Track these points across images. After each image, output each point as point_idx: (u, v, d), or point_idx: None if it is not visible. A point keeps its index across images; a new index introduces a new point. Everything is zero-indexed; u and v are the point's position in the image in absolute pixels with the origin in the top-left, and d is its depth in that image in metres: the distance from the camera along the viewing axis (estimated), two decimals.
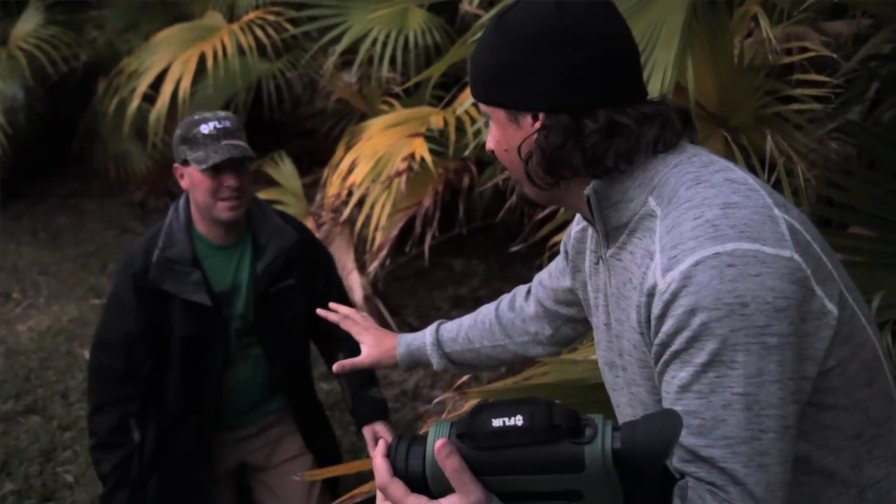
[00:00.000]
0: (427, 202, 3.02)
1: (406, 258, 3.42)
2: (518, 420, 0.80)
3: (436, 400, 2.27)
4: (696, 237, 0.86)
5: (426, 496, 0.83)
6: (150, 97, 3.98)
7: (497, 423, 0.80)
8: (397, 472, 0.85)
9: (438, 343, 1.45)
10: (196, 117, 1.86)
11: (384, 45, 3.45)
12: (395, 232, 3.14)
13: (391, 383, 3.19)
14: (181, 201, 1.94)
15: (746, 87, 2.08)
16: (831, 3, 2.12)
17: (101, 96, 4.62)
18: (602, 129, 0.93)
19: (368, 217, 3.05)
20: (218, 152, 1.80)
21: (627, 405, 1.05)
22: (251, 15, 4.00)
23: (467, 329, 1.44)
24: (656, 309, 0.88)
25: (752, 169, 1.87)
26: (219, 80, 3.84)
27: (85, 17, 4.98)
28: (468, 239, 3.43)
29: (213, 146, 1.81)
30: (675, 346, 0.87)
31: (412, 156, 2.90)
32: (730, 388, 0.84)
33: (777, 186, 1.82)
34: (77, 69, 4.80)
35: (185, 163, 1.85)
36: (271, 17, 3.93)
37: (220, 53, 3.81)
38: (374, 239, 3.04)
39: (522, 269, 3.61)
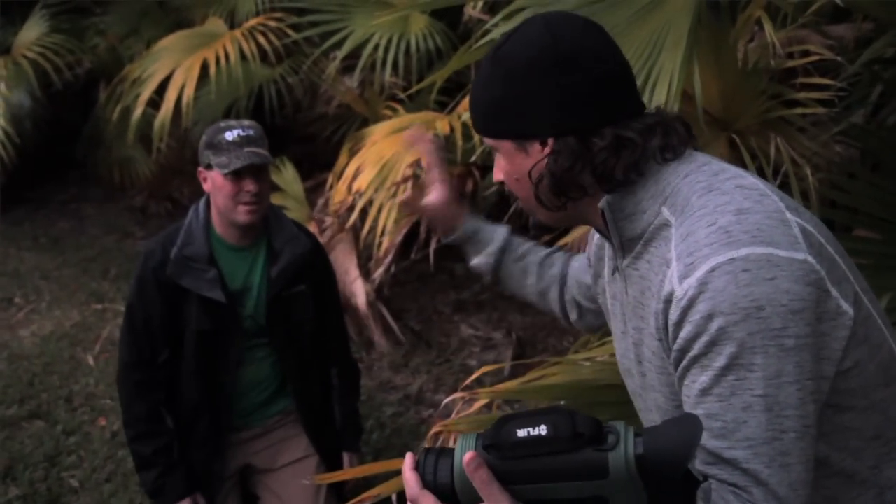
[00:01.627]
0: None
1: (408, 263, 3.42)
2: (542, 430, 0.82)
3: (444, 402, 2.27)
4: (710, 244, 0.88)
5: None
6: (153, 102, 3.99)
7: (522, 433, 0.83)
8: (426, 484, 0.87)
9: (509, 239, 1.42)
10: (222, 125, 1.94)
11: (386, 49, 3.46)
12: (399, 237, 3.15)
13: (394, 387, 3.19)
14: (201, 203, 2.02)
15: (751, 91, 2.09)
16: (833, 6, 2.14)
17: (103, 102, 4.63)
18: (609, 145, 0.95)
19: (373, 223, 3.06)
20: (240, 158, 1.88)
21: (648, 410, 1.07)
22: (253, 21, 4.01)
23: (530, 252, 1.41)
24: (674, 315, 0.90)
25: (758, 172, 1.88)
26: (221, 86, 3.85)
27: (86, 24, 4.99)
28: None
29: (236, 152, 1.89)
30: (695, 350, 0.88)
31: (418, 162, 2.91)
32: (749, 391, 0.86)
33: (784, 189, 1.83)
34: (80, 76, 4.80)
35: (209, 167, 1.93)
36: (273, 23, 3.95)
37: (222, 59, 3.82)
38: (379, 244, 3.05)
39: None
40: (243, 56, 3.86)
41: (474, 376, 2.09)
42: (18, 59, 4.67)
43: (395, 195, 2.95)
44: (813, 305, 0.87)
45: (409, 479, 0.87)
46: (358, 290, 3.29)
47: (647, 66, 1.83)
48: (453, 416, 2.07)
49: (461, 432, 1.84)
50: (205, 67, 3.85)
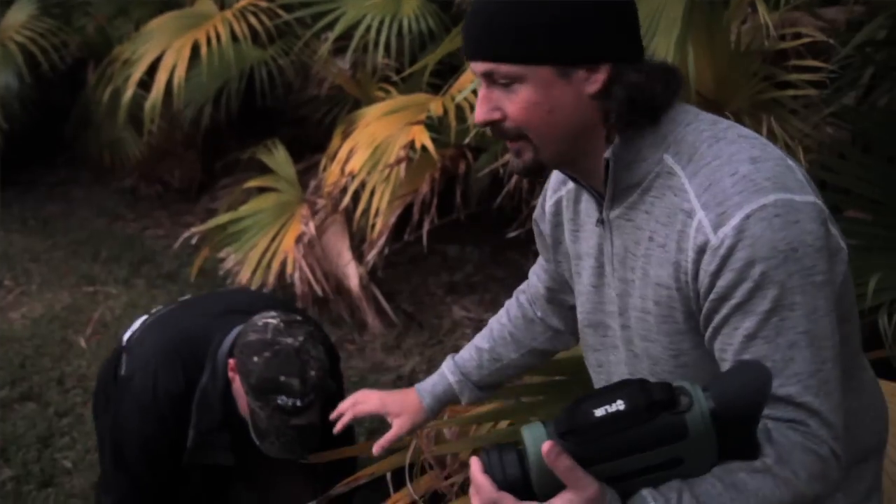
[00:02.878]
0: (424, 189, 3.03)
1: (400, 244, 3.43)
2: (620, 405, 0.83)
3: None
4: (739, 192, 0.91)
5: (533, 501, 0.86)
6: (143, 83, 3.96)
7: (600, 412, 0.83)
8: (499, 483, 0.86)
9: (464, 377, 1.42)
10: (282, 378, 1.62)
11: (378, 31, 3.44)
12: (392, 219, 3.15)
13: (387, 369, 3.21)
14: (220, 362, 1.72)
15: (743, 73, 2.10)
16: None
17: (93, 84, 4.58)
18: (647, 78, 0.95)
19: (366, 205, 3.06)
20: (280, 438, 1.63)
21: (622, 363, 1.08)
22: (244, 1, 3.97)
23: (489, 350, 1.41)
24: (711, 265, 0.91)
25: None
26: (213, 68, 3.82)
27: (74, 4, 4.93)
28: (462, 225, 3.45)
29: (279, 422, 1.63)
30: (737, 298, 0.91)
31: (412, 144, 2.91)
32: (793, 329, 0.90)
33: None
34: (67, 57, 4.76)
35: (245, 391, 1.66)
36: (264, 3, 3.92)
37: (213, 41, 3.79)
38: (373, 226, 3.05)
39: (516, 254, 3.63)
40: (234, 37, 3.83)
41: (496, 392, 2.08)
42: (6, 42, 4.62)
43: (387, 177, 2.94)
44: (826, 242, 0.92)
45: (483, 483, 0.86)
46: (351, 273, 3.29)
47: None
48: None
49: (458, 413, 1.86)
50: (195, 49, 3.82)
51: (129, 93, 3.92)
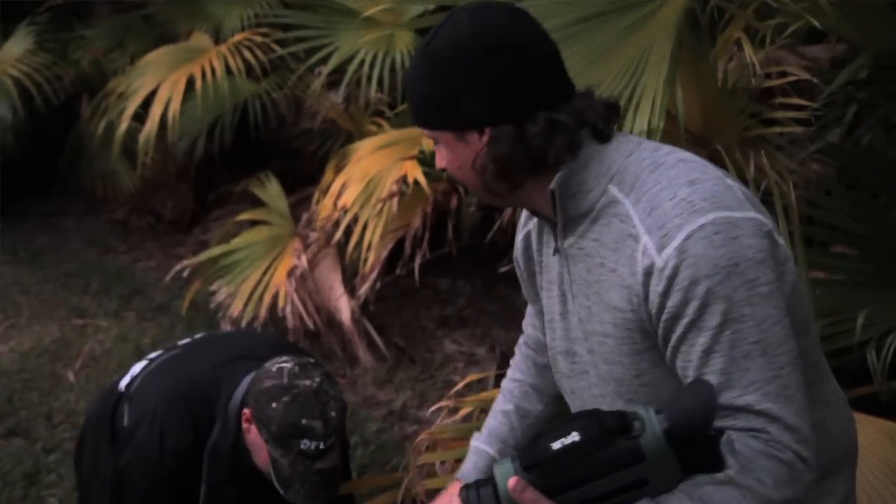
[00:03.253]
0: (417, 223, 3.05)
1: (392, 278, 3.43)
2: (575, 437, 0.88)
3: (430, 410, 2.28)
4: (678, 214, 0.96)
5: None
6: (137, 115, 3.98)
7: (557, 445, 0.88)
8: None
9: (503, 443, 1.37)
10: (304, 422, 1.57)
11: (371, 65, 3.48)
12: (385, 253, 3.16)
13: (378, 403, 3.19)
14: (231, 415, 1.68)
15: (730, 110, 2.14)
16: (809, 29, 2.20)
17: (87, 117, 4.61)
18: (543, 130, 1.01)
19: (359, 238, 3.07)
20: (304, 486, 1.59)
21: (592, 387, 1.11)
22: (239, 36, 4.02)
23: (514, 409, 1.37)
24: (659, 286, 0.96)
25: None
26: (207, 101, 3.86)
27: (70, 37, 4.98)
28: (454, 259, 3.46)
29: (303, 468, 1.59)
30: (688, 316, 0.95)
31: (404, 178, 2.93)
32: (746, 339, 0.94)
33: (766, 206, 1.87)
34: (62, 89, 4.78)
35: (263, 438, 1.61)
36: (259, 38, 3.96)
37: (208, 74, 3.83)
38: (365, 260, 3.06)
39: (508, 289, 3.64)
40: (229, 71, 3.87)
41: (460, 385, 2.10)
42: (1, 77, 4.65)
43: (380, 212, 2.96)
44: (771, 253, 0.97)
45: None
46: (343, 306, 3.29)
47: (630, 84, 1.87)
48: (440, 420, 2.07)
49: (447, 440, 1.86)
50: (190, 82, 3.85)
51: (123, 126, 3.94)
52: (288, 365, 1.65)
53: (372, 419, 3.08)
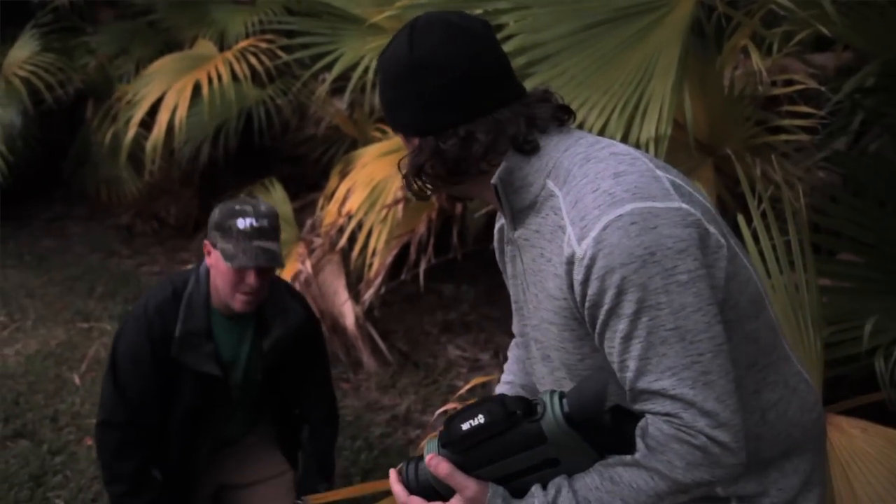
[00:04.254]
0: (421, 229, 3.06)
1: (395, 283, 3.44)
2: (480, 419, 0.97)
3: (435, 414, 2.28)
4: (598, 206, 0.99)
5: (441, 499, 1.03)
6: (143, 122, 4.00)
7: (465, 426, 0.97)
8: (411, 489, 1.03)
9: None
10: (237, 207, 1.84)
11: (375, 72, 3.49)
12: (389, 259, 3.16)
13: (382, 408, 3.20)
14: (202, 271, 1.93)
15: (737, 117, 2.15)
16: (816, 36, 2.20)
17: (96, 123, 4.62)
18: (457, 144, 1.06)
19: (364, 244, 3.07)
20: (247, 255, 1.79)
21: (549, 373, 1.15)
22: (244, 43, 4.04)
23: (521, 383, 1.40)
24: (579, 275, 1.00)
25: (742, 197, 1.92)
26: (213, 107, 3.87)
27: (76, 43, 5.00)
28: (458, 264, 3.46)
29: (244, 245, 1.80)
30: (607, 304, 0.98)
31: None
32: (662, 326, 0.97)
33: (774, 213, 1.87)
34: (68, 94, 4.80)
35: (214, 246, 1.86)
36: (264, 45, 3.98)
37: (214, 81, 3.84)
38: (370, 266, 3.06)
39: None
40: (235, 77, 3.89)
41: (464, 389, 2.10)
42: (10, 78, 4.66)
43: (385, 218, 2.97)
44: (697, 242, 0.98)
45: (397, 491, 1.03)
46: (347, 312, 3.29)
47: (637, 92, 1.88)
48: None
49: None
50: (196, 88, 3.86)
51: (131, 133, 3.97)
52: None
53: (376, 424, 3.08)
